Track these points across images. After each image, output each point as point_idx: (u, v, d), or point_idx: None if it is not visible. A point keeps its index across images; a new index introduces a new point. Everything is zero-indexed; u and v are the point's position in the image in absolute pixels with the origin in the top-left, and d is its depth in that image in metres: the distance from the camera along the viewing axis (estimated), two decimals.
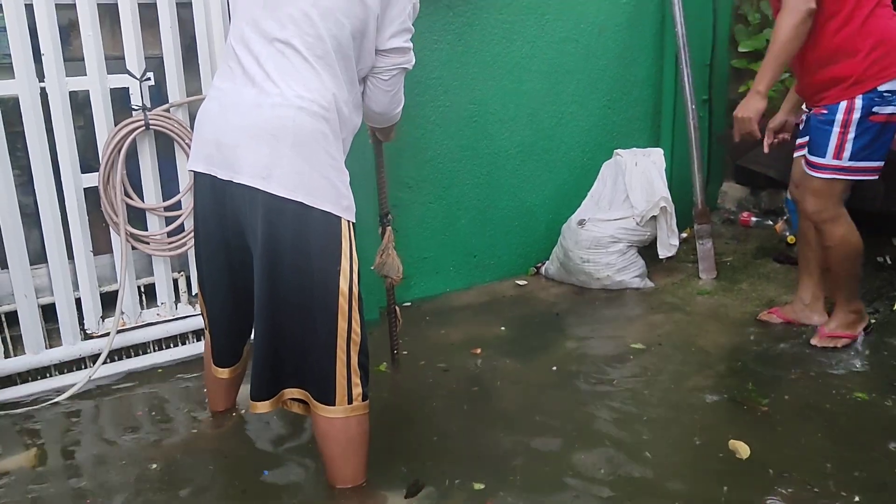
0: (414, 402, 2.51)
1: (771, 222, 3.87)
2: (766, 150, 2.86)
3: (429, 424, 2.37)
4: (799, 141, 2.77)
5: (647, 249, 3.42)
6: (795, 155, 2.79)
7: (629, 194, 3.31)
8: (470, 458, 2.17)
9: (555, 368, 2.68)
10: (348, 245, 1.88)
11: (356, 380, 1.92)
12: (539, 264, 3.61)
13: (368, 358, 1.98)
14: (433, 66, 3.11)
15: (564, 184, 3.58)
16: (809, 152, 2.58)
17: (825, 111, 2.51)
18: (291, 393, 1.98)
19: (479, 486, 2.03)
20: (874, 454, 2.09)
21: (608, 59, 3.57)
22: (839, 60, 2.45)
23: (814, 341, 2.74)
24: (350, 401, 1.92)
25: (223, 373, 2.29)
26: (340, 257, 1.87)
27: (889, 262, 3.31)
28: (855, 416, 2.30)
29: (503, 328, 3.05)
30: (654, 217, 3.30)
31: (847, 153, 2.49)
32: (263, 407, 1.97)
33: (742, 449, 2.11)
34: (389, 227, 2.52)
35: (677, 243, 3.36)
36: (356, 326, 1.91)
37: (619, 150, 3.46)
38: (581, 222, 3.35)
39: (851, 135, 2.47)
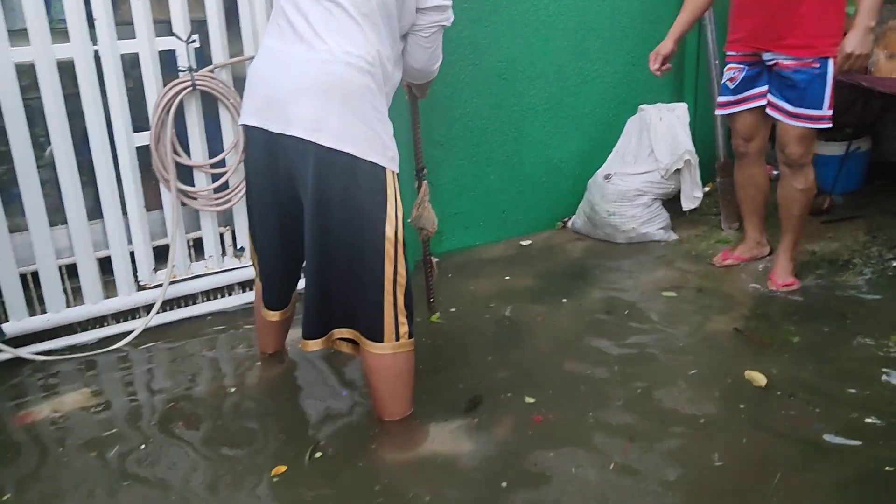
0: (455, 343, 2.67)
1: None
2: (658, 74, 3.03)
3: (474, 358, 2.54)
4: (751, 92, 2.82)
5: (671, 202, 3.52)
6: (749, 107, 2.84)
7: (654, 148, 3.41)
8: (517, 381, 2.37)
9: (584, 313, 2.82)
10: (393, 194, 2.01)
11: (402, 319, 2.07)
12: (566, 219, 3.72)
13: (412, 299, 2.12)
14: (463, 24, 3.20)
15: (590, 139, 3.67)
16: (799, 105, 2.66)
17: (817, 65, 2.60)
18: (341, 333, 2.12)
19: (529, 399, 2.24)
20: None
21: (632, 16, 3.64)
22: (827, 12, 2.56)
23: (772, 288, 2.90)
24: (397, 338, 2.07)
25: (273, 315, 2.44)
26: (386, 205, 2.00)
27: None
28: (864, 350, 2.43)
29: (532, 279, 3.18)
30: (678, 170, 3.39)
31: (829, 103, 2.65)
32: (314, 345, 2.13)
33: (758, 378, 2.28)
34: (425, 182, 2.64)
35: (701, 196, 3.45)
36: (401, 269, 2.04)
37: (643, 106, 3.55)
38: (607, 176, 3.45)
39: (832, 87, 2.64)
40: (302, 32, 1.97)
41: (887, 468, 1.88)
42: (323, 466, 2.02)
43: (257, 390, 2.44)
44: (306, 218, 2.04)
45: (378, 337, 2.07)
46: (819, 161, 3.67)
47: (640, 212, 3.41)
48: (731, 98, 2.89)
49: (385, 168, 2.00)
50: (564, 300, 2.94)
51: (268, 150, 2.07)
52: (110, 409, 2.36)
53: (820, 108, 2.64)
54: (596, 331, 2.69)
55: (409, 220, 2.62)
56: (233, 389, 2.43)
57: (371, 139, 1.97)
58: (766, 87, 2.79)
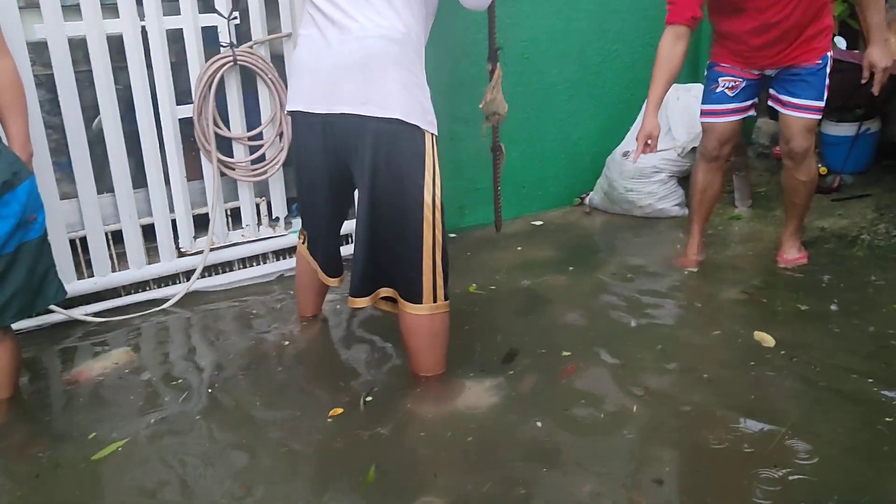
0: (485, 310, 2.82)
1: None
2: (634, 161, 2.79)
3: (504, 323, 2.70)
4: (748, 102, 2.89)
5: (687, 180, 3.62)
6: (728, 119, 2.90)
7: (671, 127, 3.53)
8: (550, 339, 2.53)
9: (603, 283, 2.96)
10: (431, 160, 2.14)
11: (440, 281, 2.20)
12: (584, 195, 3.85)
13: (448, 264, 2.25)
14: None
15: (609, 118, 3.79)
16: (805, 98, 2.74)
17: (819, 61, 2.71)
18: (384, 292, 2.26)
19: (566, 353, 2.44)
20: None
21: None
22: (822, 15, 2.65)
23: (782, 265, 3.00)
24: (435, 300, 2.20)
25: (334, 281, 2.56)
26: (424, 172, 2.13)
27: None
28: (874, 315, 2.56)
29: (553, 251, 3.31)
30: (694, 149, 3.51)
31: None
32: (362, 302, 2.27)
33: (767, 339, 2.44)
34: (498, 65, 2.65)
35: None
36: (439, 234, 2.17)
37: None
38: (625, 154, 3.57)
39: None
40: (332, 16, 2.11)
41: (887, 418, 2.03)
42: (374, 410, 2.18)
43: (303, 346, 2.61)
44: (359, 187, 2.18)
45: (417, 298, 2.20)
46: (830, 141, 3.80)
47: (656, 188, 3.53)
48: (732, 106, 2.89)
49: (425, 133, 2.13)
50: (585, 271, 3.08)
51: (317, 131, 2.20)
52: (166, 364, 2.53)
53: (822, 99, 2.75)
54: (615, 299, 2.83)
55: (480, 107, 2.68)
56: (285, 343, 2.60)
57: (412, 104, 2.10)
58: (756, 99, 2.90)
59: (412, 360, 2.32)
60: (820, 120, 2.83)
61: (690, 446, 1.98)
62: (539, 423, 2.08)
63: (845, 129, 3.74)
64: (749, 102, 2.91)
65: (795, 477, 1.82)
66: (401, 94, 2.08)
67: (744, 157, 3.70)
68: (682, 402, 2.16)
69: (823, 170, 3.85)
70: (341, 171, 2.23)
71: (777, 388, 2.22)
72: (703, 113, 2.96)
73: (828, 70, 2.74)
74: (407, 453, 2.02)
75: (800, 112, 2.78)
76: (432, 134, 2.15)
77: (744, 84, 2.86)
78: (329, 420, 2.15)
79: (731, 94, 2.88)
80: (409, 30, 2.10)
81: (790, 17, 2.62)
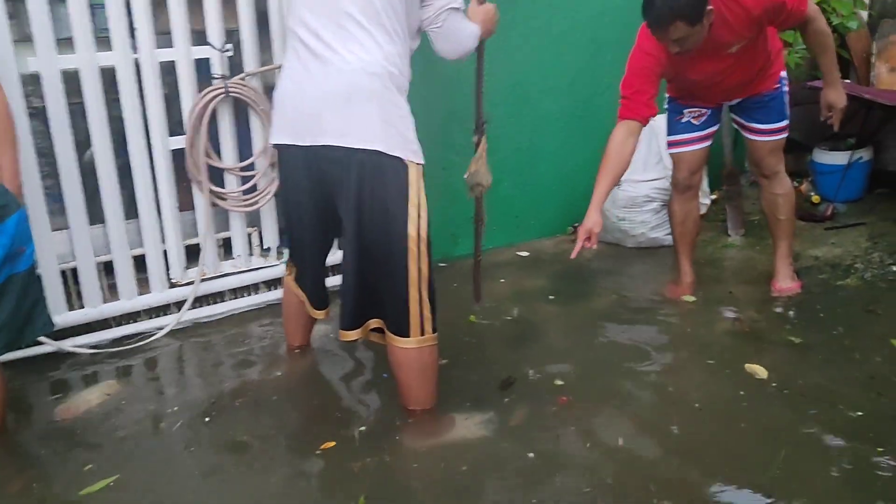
0: (479, 337, 2.84)
1: (796, 183, 4.06)
2: (573, 255, 2.56)
3: (495, 353, 2.72)
4: (712, 129, 2.93)
5: None
6: (698, 147, 2.92)
7: (662, 156, 3.53)
8: (542, 369, 2.54)
9: (596, 313, 2.96)
10: (416, 192, 2.13)
11: (427, 314, 2.19)
12: (576, 224, 3.84)
13: (436, 294, 2.23)
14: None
15: (601, 148, 3.73)
16: (770, 122, 2.80)
17: (776, 85, 2.77)
18: (373, 323, 2.25)
19: (559, 382, 2.45)
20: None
21: None
22: (770, 46, 2.70)
23: (775, 294, 2.99)
24: (422, 332, 2.19)
25: (320, 314, 2.55)
26: (408, 205, 2.12)
27: None
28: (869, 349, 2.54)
29: (545, 281, 3.31)
30: None
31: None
32: (353, 335, 2.25)
33: (759, 371, 2.44)
34: (484, 137, 2.68)
35: (708, 202, 3.59)
36: (424, 267, 2.16)
37: None
38: (618, 184, 3.57)
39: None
40: (315, 50, 2.12)
41: (874, 458, 2.00)
42: (366, 442, 2.18)
43: (293, 377, 2.60)
44: (344, 219, 2.18)
45: (404, 332, 2.18)
46: (822, 170, 3.82)
47: (649, 217, 3.53)
48: (697, 134, 2.91)
49: (408, 166, 2.12)
50: (577, 301, 3.07)
51: (301, 163, 2.21)
52: (157, 396, 2.52)
53: (785, 118, 2.80)
54: (608, 329, 2.83)
55: (464, 176, 2.69)
56: (276, 374, 2.61)
57: (394, 136, 2.11)
58: (718, 126, 2.94)
59: (402, 393, 2.30)
60: (787, 138, 2.86)
61: (679, 479, 1.96)
62: (531, 454, 2.07)
63: (838, 158, 3.76)
64: (715, 127, 2.94)
65: None
66: (382, 127, 2.08)
67: (737, 186, 3.71)
68: (673, 431, 2.15)
69: (816, 198, 3.87)
70: (326, 203, 2.23)
71: (768, 418, 2.21)
72: (671, 144, 2.97)
73: (786, 89, 2.80)
74: (397, 484, 2.01)
75: (766, 136, 2.83)
76: (417, 164, 2.15)
77: (708, 112, 2.90)
78: (319, 453, 2.13)
79: (698, 123, 2.90)
80: (391, 62, 2.11)
81: (735, 72, 2.67)
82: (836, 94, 2.78)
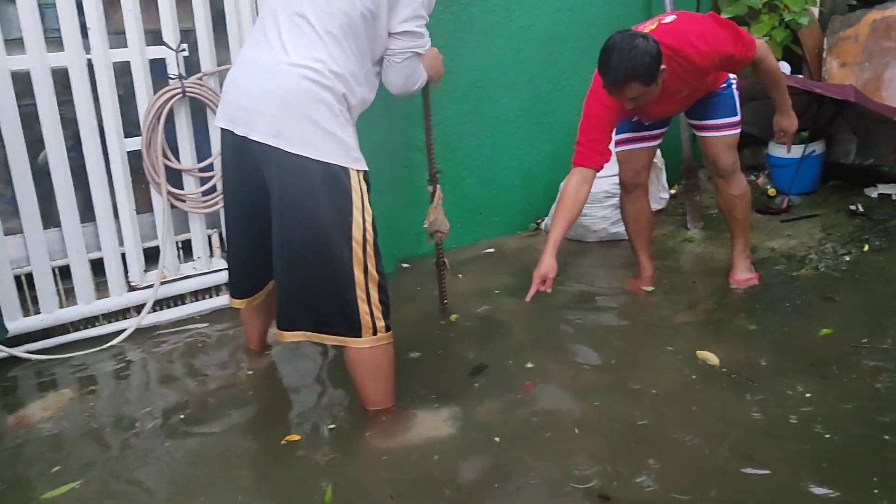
0: (445, 333, 2.84)
1: (753, 177, 4.14)
2: (527, 299, 2.62)
3: (473, 341, 2.77)
4: (659, 130, 2.97)
5: None
6: (643, 146, 2.98)
7: None
8: (509, 359, 2.59)
9: (558, 307, 2.98)
10: (359, 197, 2.10)
11: (378, 314, 2.17)
12: (539, 220, 3.88)
13: (388, 296, 2.21)
14: (439, 35, 3.32)
15: (561, 144, 3.82)
16: (719, 117, 2.84)
17: (724, 84, 2.82)
18: (311, 336, 2.21)
19: (530, 364, 2.54)
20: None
21: (599, 27, 3.81)
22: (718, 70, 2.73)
23: (733, 286, 3.04)
24: (374, 332, 2.17)
25: (238, 303, 2.55)
26: (352, 209, 2.09)
27: (860, 210, 3.59)
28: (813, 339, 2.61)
29: (508, 277, 3.32)
30: None
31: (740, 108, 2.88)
32: (291, 336, 2.21)
33: (711, 357, 2.51)
34: (439, 186, 2.75)
35: (667, 197, 3.64)
36: (372, 268, 2.14)
37: None
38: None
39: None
40: (272, 42, 2.11)
41: (827, 435, 2.07)
42: (333, 437, 2.20)
43: (255, 378, 2.58)
44: (273, 219, 2.14)
45: (356, 332, 2.16)
46: (777, 163, 3.90)
47: (609, 213, 3.57)
48: (646, 133, 2.95)
49: (349, 172, 2.09)
50: (538, 296, 3.07)
51: (237, 150, 2.20)
52: (117, 401, 2.47)
53: (736, 114, 2.86)
54: (570, 321, 2.87)
55: (424, 226, 2.73)
56: (237, 376, 2.59)
57: (331, 142, 2.06)
58: (665, 129, 2.98)
59: (360, 394, 2.29)
60: (740, 133, 2.90)
61: (636, 458, 2.02)
62: (497, 439, 2.13)
63: (791, 152, 3.83)
64: (663, 129, 2.98)
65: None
66: (317, 133, 2.05)
67: (695, 180, 3.77)
68: (632, 416, 2.22)
69: (772, 191, 3.94)
70: (260, 194, 2.18)
71: (718, 401, 2.29)
72: (618, 143, 2.98)
73: (735, 87, 2.85)
74: (365, 476, 2.03)
75: (719, 132, 2.87)
76: (358, 171, 2.12)
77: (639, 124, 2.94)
78: (284, 444, 2.15)
79: (647, 123, 2.93)
80: (341, 72, 2.07)
81: (687, 101, 2.78)
82: (788, 121, 2.90)
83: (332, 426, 2.24)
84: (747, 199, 3.00)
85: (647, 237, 3.16)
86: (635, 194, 3.06)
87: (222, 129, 2.22)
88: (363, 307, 2.14)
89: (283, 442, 2.16)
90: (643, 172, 3.03)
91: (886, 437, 2.03)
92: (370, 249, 2.14)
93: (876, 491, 1.84)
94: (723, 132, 2.87)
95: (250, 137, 2.09)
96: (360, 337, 2.17)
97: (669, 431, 2.14)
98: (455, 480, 1.98)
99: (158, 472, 2.07)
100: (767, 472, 1.93)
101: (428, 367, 2.56)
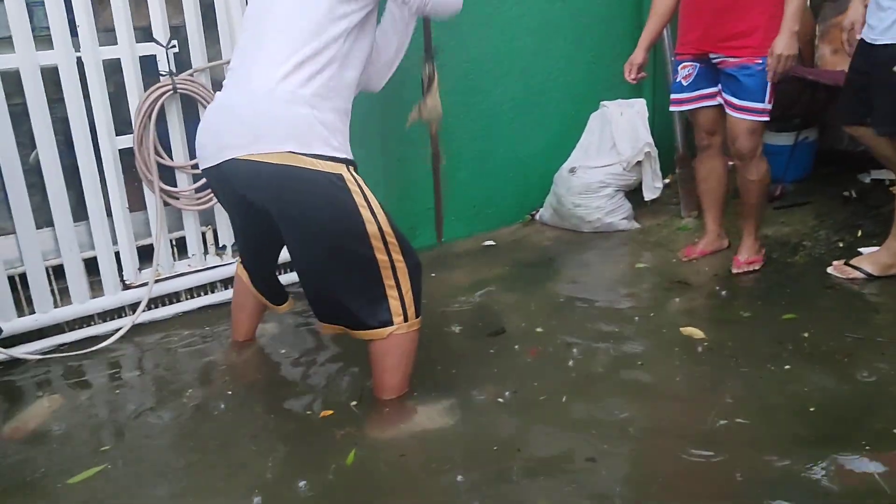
0: (435, 331, 2.80)
1: None
2: (633, 82, 3.20)
3: (459, 339, 2.75)
4: (706, 91, 3.00)
5: (634, 193, 3.69)
6: (706, 104, 3.02)
7: (616, 142, 3.57)
8: (508, 339, 2.69)
9: (555, 297, 3.00)
10: (360, 195, 2.07)
11: (409, 301, 2.17)
12: (534, 211, 3.88)
13: (420, 280, 2.21)
14: (431, 27, 3.33)
15: (555, 135, 3.83)
16: (743, 99, 2.84)
17: (758, 61, 2.78)
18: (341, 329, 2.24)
19: (539, 329, 2.70)
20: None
21: (592, 16, 3.81)
22: (767, 18, 2.73)
23: (735, 270, 3.06)
24: (405, 319, 2.17)
25: (282, 308, 2.64)
26: (358, 210, 2.06)
27: (854, 195, 3.60)
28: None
29: (504, 269, 3.32)
30: (639, 162, 3.57)
31: (769, 97, 2.84)
32: (330, 330, 2.27)
33: (696, 333, 2.60)
34: (434, 66, 2.77)
35: (661, 186, 3.63)
36: (397, 256, 2.12)
37: (605, 102, 3.72)
38: (572, 170, 3.61)
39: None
40: (237, 72, 2.13)
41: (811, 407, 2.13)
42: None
43: (254, 376, 2.58)
44: (284, 236, 2.15)
45: (388, 321, 2.16)
46: (771, 150, 3.87)
47: (604, 203, 3.57)
48: (688, 95, 3.04)
49: (342, 175, 2.04)
50: (535, 287, 3.09)
51: (219, 181, 2.18)
52: (114, 401, 2.46)
53: (762, 101, 2.82)
54: (567, 311, 2.88)
55: (422, 114, 2.79)
56: (232, 372, 2.59)
57: (316, 134, 2.03)
58: (719, 87, 2.96)
59: (377, 381, 2.28)
60: (765, 123, 2.88)
61: (621, 426, 2.11)
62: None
63: (784, 139, 3.84)
64: (710, 90, 2.99)
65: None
66: (298, 128, 2.02)
67: (689, 169, 3.76)
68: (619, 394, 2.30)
69: None
70: (258, 211, 2.15)
71: (702, 374, 2.37)
72: (671, 102, 3.14)
73: (765, 72, 2.78)
74: (390, 446, 2.09)
75: (741, 114, 2.86)
76: (348, 167, 2.08)
77: (696, 71, 2.98)
78: (284, 424, 2.21)
79: (686, 83, 3.02)
80: (315, 70, 2.03)
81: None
82: (778, 41, 2.73)
83: (328, 413, 2.26)
84: (763, 186, 3.01)
85: (715, 198, 3.21)
86: (707, 154, 3.14)
87: (203, 169, 2.21)
88: (393, 303, 2.15)
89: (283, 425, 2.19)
90: (715, 134, 3.07)
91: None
92: (390, 239, 2.11)
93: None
94: (746, 115, 2.85)
95: (225, 159, 2.05)
96: (392, 325, 2.16)
97: (658, 402, 2.24)
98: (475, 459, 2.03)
99: (162, 470, 2.07)
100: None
101: (425, 355, 2.53)
